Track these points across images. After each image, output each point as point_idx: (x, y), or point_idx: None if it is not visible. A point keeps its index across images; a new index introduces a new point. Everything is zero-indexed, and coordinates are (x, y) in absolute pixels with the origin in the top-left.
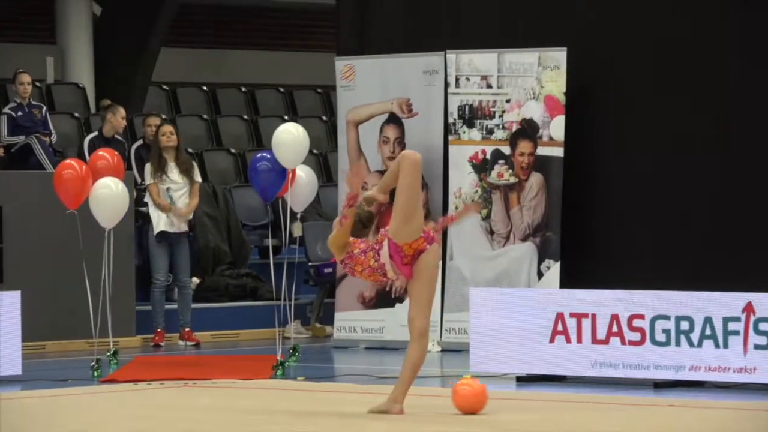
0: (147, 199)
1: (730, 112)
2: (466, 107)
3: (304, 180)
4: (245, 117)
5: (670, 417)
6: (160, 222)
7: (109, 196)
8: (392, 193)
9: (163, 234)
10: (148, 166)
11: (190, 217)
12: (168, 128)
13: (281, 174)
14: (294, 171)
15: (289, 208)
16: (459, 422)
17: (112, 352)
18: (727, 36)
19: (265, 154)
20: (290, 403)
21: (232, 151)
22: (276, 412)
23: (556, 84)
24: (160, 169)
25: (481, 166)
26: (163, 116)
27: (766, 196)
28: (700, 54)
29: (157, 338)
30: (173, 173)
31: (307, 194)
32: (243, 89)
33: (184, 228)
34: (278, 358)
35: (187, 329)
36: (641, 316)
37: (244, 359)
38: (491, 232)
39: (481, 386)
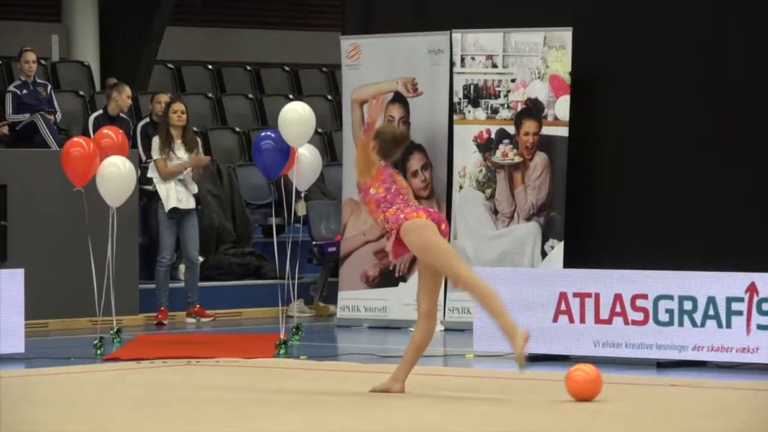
0: (151, 174)
1: (734, 92)
2: (471, 87)
3: (307, 158)
4: (250, 96)
5: (672, 397)
6: (170, 199)
7: (116, 174)
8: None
9: (174, 210)
10: (155, 141)
11: (195, 191)
12: (180, 107)
13: (285, 152)
14: (295, 149)
15: (294, 186)
16: (454, 402)
17: (115, 330)
18: (731, 15)
19: (269, 133)
20: (293, 382)
21: (237, 129)
22: (278, 391)
23: (562, 64)
24: (167, 146)
25: (486, 146)
26: (170, 95)
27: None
28: (704, 37)
29: (160, 316)
30: (180, 151)
31: (311, 173)
32: (248, 68)
33: (192, 204)
34: (281, 336)
35: (198, 306)
36: (644, 296)
37: (247, 338)
38: (495, 212)
39: (595, 372)
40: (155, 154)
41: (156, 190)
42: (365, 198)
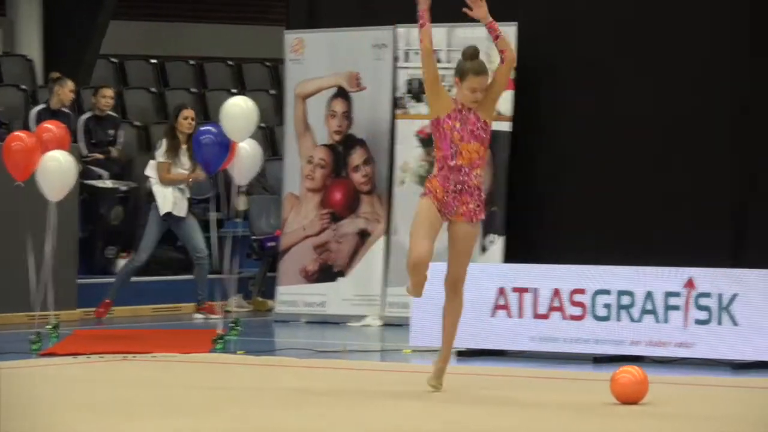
0: (150, 173)
1: (683, 89)
2: (415, 82)
3: (248, 153)
4: (193, 90)
5: (607, 391)
6: (166, 203)
7: (57, 168)
8: None
9: (168, 215)
10: (162, 144)
11: (189, 195)
12: (190, 113)
13: (225, 147)
14: (235, 144)
15: (234, 181)
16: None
17: (52, 325)
18: (687, 14)
19: (209, 127)
20: (229, 377)
21: None
22: (214, 387)
23: None
24: (173, 151)
25: (429, 141)
26: (113, 88)
27: (712, 173)
28: (652, 30)
29: (102, 309)
30: (184, 157)
31: (252, 167)
32: (191, 62)
33: (185, 211)
34: (218, 331)
35: (207, 303)
36: (582, 291)
37: (184, 333)
38: None
39: (642, 374)
40: (160, 156)
41: (151, 190)
42: (488, 139)
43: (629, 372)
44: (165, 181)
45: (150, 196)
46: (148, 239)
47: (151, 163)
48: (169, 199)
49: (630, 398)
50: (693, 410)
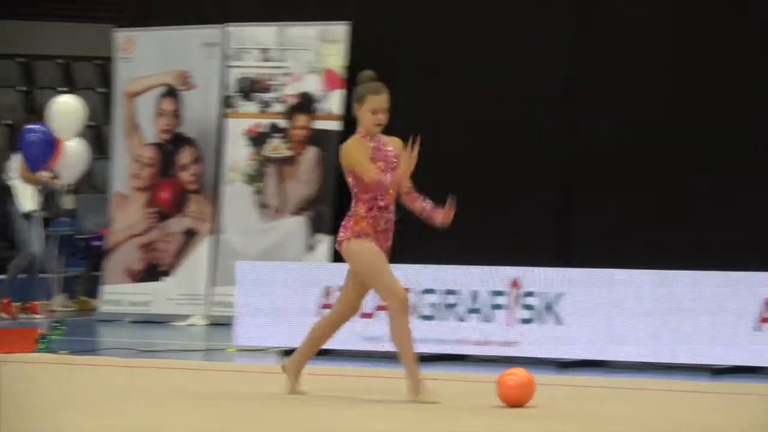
0: (13, 168)
1: (514, 91)
2: (244, 80)
3: (75, 151)
4: (20, 88)
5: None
6: (27, 201)
7: None
8: None
9: (33, 212)
10: None
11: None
12: None
13: (51, 145)
14: (61, 142)
15: (60, 179)
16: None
17: None
18: (525, 10)
19: (36, 126)
20: (50, 378)
21: (8, 122)
22: (35, 387)
23: (336, 58)
24: None
25: (258, 140)
26: None
27: (540, 174)
28: (487, 32)
29: (11, 309)
30: None
31: (78, 166)
32: (19, 60)
33: (38, 211)
34: (42, 331)
35: (31, 302)
36: (408, 290)
37: (7, 332)
38: (264, 206)
39: (528, 376)
40: None
41: (9, 186)
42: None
43: (515, 374)
44: (26, 178)
45: (4, 191)
46: (29, 233)
47: (16, 158)
48: (29, 197)
49: (517, 401)
50: (588, 411)
